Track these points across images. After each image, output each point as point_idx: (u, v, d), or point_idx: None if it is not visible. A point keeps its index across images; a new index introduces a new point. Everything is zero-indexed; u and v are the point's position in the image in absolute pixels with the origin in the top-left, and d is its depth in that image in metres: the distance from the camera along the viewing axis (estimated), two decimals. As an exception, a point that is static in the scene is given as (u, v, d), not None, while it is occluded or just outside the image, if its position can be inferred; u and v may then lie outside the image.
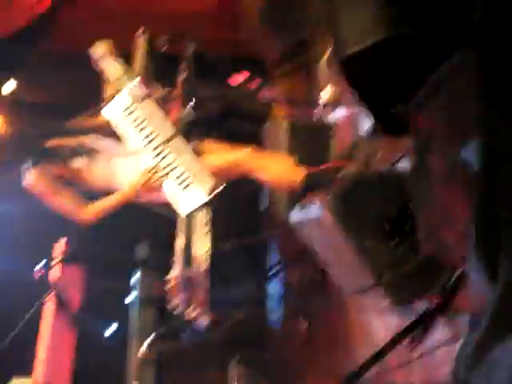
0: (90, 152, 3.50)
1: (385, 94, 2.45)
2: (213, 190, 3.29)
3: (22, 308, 3.13)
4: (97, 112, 3.96)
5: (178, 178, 3.37)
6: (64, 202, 3.35)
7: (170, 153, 3.44)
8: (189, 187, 3.34)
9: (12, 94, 3.78)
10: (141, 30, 4.84)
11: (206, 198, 3.29)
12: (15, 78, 3.88)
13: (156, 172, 3.37)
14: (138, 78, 3.83)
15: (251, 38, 6.10)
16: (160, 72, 4.81)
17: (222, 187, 3.32)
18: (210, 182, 3.29)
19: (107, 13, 7.29)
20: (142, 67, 4.59)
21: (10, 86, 3.72)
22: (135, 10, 7.11)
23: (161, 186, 3.39)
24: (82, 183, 3.43)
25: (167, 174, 3.38)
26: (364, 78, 2.40)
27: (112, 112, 3.62)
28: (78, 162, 3.44)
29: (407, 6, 2.21)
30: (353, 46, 2.23)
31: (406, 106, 2.38)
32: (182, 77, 4.63)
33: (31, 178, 3.32)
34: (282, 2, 5.56)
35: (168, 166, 3.41)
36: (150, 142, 3.49)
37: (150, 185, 3.37)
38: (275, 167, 3.62)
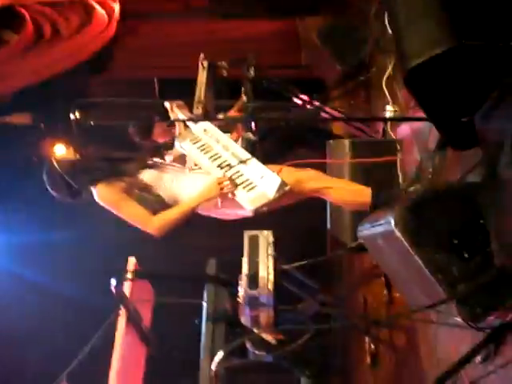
0: (158, 166, 3.56)
1: (451, 107, 2.43)
2: (280, 188, 3.27)
3: (97, 322, 3.19)
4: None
5: (243, 183, 3.40)
6: (133, 213, 3.37)
7: (235, 166, 3.49)
8: (254, 188, 3.35)
9: (79, 120, 3.88)
10: (202, 56, 4.94)
11: (274, 195, 3.28)
12: (82, 107, 3.99)
13: (224, 181, 3.39)
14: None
15: (312, 59, 6.15)
16: (223, 95, 4.90)
17: (288, 187, 3.30)
18: (277, 181, 3.28)
19: (168, 40, 7.48)
20: (204, 92, 4.68)
21: (77, 113, 3.83)
22: (196, 36, 7.28)
23: (229, 195, 3.40)
24: (152, 196, 3.46)
25: (234, 182, 3.40)
26: (429, 90, 2.39)
27: (181, 144, 3.80)
28: (146, 175, 3.49)
29: (472, 17, 2.21)
30: (418, 58, 2.23)
31: (472, 117, 2.36)
32: (243, 99, 4.70)
33: (100, 191, 3.38)
34: (340, 23, 5.59)
35: (234, 174, 3.44)
36: (215, 160, 3.57)
37: (219, 193, 3.38)
38: (342, 187, 3.60)
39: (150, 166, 3.56)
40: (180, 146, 3.79)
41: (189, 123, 3.98)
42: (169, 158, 3.97)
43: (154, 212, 3.41)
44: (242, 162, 3.49)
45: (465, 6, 2.23)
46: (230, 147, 3.63)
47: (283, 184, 3.30)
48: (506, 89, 2.11)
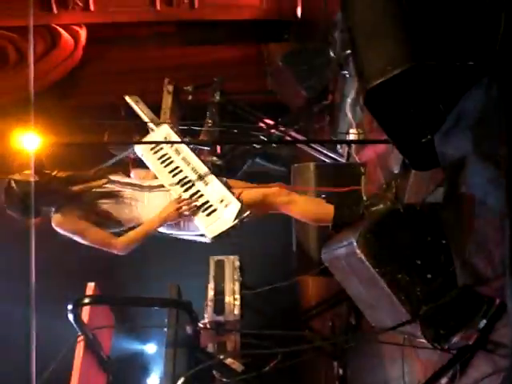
0: (116, 192, 3.50)
1: (410, 127, 2.44)
2: (240, 214, 3.25)
3: (55, 351, 3.10)
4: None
5: (202, 205, 3.36)
6: (95, 238, 3.35)
7: (195, 184, 3.46)
8: (214, 213, 3.33)
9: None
10: (167, 80, 4.94)
11: (233, 222, 3.26)
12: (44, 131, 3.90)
13: (182, 202, 3.36)
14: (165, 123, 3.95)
15: (277, 84, 6.18)
16: (187, 120, 4.88)
17: (248, 212, 3.28)
18: (237, 206, 3.26)
19: (135, 65, 7.46)
20: (169, 117, 4.66)
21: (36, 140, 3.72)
22: (162, 62, 7.28)
23: (189, 214, 3.37)
24: (111, 222, 3.43)
25: (194, 202, 3.37)
26: (389, 110, 2.40)
27: (142, 153, 3.73)
28: (105, 204, 3.45)
29: (430, 36, 2.22)
30: (377, 78, 2.23)
31: (432, 138, 2.37)
32: (208, 123, 4.69)
33: (57, 221, 3.34)
34: (304, 48, 5.64)
35: (194, 195, 3.41)
36: (175, 175, 3.53)
37: (179, 213, 3.35)
38: (305, 203, 3.59)
39: (107, 195, 3.49)
40: (141, 155, 3.74)
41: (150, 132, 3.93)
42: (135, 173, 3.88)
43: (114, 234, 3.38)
44: (202, 178, 3.47)
45: (423, 25, 2.24)
46: (190, 160, 3.59)
47: (243, 210, 3.28)
48: (465, 106, 2.12)
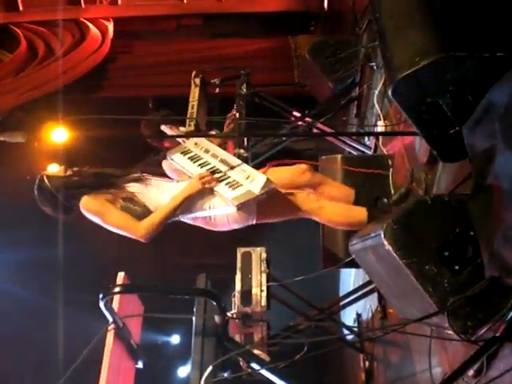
0: (143, 179, 3.53)
1: (439, 118, 2.43)
2: (266, 186, 3.23)
3: (86, 338, 3.15)
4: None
5: (229, 183, 3.38)
6: (119, 221, 3.34)
7: (222, 170, 3.49)
8: (240, 187, 3.32)
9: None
10: (194, 73, 4.97)
11: (259, 192, 3.22)
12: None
13: (205, 176, 3.38)
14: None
15: (305, 76, 6.18)
16: (215, 112, 4.92)
17: (274, 186, 3.27)
18: (263, 178, 3.26)
19: (162, 58, 7.52)
20: (196, 109, 4.69)
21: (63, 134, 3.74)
22: (189, 55, 7.32)
23: (212, 185, 3.38)
24: (138, 207, 3.42)
25: (216, 177, 3.41)
26: (416, 102, 2.40)
27: (172, 157, 3.78)
28: (132, 187, 3.47)
29: (459, 28, 2.21)
30: (404, 69, 2.23)
31: (460, 129, 2.36)
32: (235, 115, 4.72)
33: (84, 202, 3.35)
34: (331, 40, 5.64)
35: (221, 177, 3.44)
36: (205, 166, 3.58)
37: (201, 188, 3.36)
38: (335, 207, 3.54)
39: (136, 180, 3.52)
40: (171, 159, 3.76)
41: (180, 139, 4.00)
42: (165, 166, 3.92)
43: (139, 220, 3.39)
44: (230, 166, 3.49)
45: (451, 16, 2.24)
46: (218, 155, 3.63)
47: (269, 182, 3.26)
48: (493, 97, 2.11)
